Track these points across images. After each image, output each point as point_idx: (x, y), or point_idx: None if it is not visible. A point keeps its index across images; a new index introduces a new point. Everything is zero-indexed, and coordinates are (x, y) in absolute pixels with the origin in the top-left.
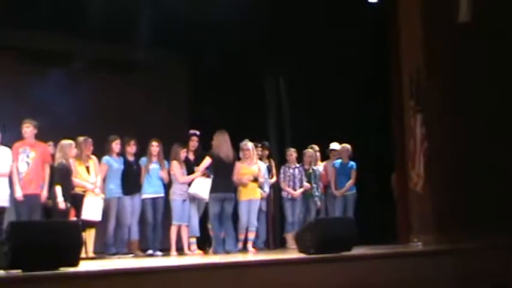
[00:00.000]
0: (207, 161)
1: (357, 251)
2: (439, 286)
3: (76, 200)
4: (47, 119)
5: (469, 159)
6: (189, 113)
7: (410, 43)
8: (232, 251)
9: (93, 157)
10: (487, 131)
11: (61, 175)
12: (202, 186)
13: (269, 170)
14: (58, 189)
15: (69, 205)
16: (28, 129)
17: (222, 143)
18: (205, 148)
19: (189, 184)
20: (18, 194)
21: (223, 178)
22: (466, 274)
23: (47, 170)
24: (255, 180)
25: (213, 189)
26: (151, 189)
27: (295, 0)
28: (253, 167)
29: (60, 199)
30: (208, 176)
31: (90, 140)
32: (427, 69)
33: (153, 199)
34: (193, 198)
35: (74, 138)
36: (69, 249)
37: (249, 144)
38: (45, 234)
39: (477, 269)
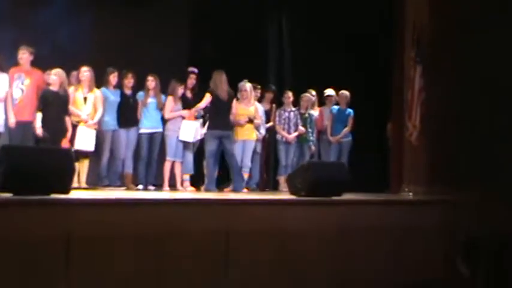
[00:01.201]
0: (207, 97)
1: (347, 196)
2: (421, 234)
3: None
4: (46, 47)
5: (464, 117)
6: (190, 51)
7: None
8: (238, 189)
9: (97, 90)
10: (485, 91)
11: (42, 102)
12: (188, 130)
13: (268, 113)
14: (37, 116)
15: (46, 134)
16: (24, 55)
17: (220, 82)
18: (202, 87)
19: None
20: (11, 120)
21: (221, 116)
22: (447, 224)
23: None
24: (251, 121)
25: (210, 127)
26: (148, 124)
27: None
28: (250, 107)
29: (37, 125)
30: (195, 118)
31: (91, 70)
32: (431, 21)
33: (150, 134)
34: None
35: (75, 68)
36: (61, 176)
37: (247, 85)
38: (37, 160)
39: (457, 221)
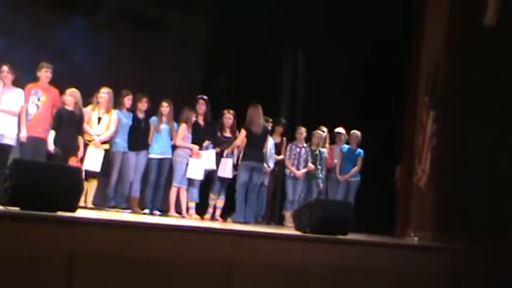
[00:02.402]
0: (242, 134)
1: (352, 236)
2: (425, 280)
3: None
4: (64, 66)
5: (475, 165)
6: (204, 79)
7: (433, 39)
8: (250, 221)
9: (113, 111)
10: (499, 140)
11: (57, 120)
12: (195, 168)
13: (278, 146)
14: (51, 133)
15: (59, 151)
16: (46, 73)
17: (256, 116)
18: (214, 117)
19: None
20: (23, 135)
21: (254, 149)
22: (453, 272)
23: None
24: None
25: (244, 158)
26: (159, 149)
27: None
28: None
29: (50, 141)
30: (227, 156)
31: (111, 92)
32: (446, 67)
33: (160, 159)
34: None
35: (90, 88)
36: (69, 194)
37: None
38: (46, 176)
39: (468, 269)
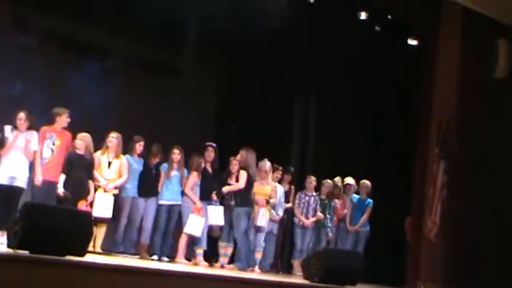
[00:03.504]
0: (244, 174)
1: (361, 286)
2: None
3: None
4: (75, 110)
5: (484, 218)
6: (215, 126)
7: (444, 91)
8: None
9: (123, 156)
10: (509, 191)
11: (67, 164)
12: (194, 224)
13: (287, 194)
14: (61, 177)
15: (68, 194)
16: (67, 118)
17: (252, 161)
18: (222, 163)
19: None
20: (39, 178)
21: (249, 194)
22: None
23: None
24: (267, 202)
25: (243, 204)
26: (169, 196)
27: (335, 27)
28: (266, 187)
29: (59, 185)
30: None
31: (120, 137)
32: (457, 118)
33: (169, 206)
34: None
35: (102, 133)
36: (79, 238)
37: (267, 165)
38: (57, 220)
39: None
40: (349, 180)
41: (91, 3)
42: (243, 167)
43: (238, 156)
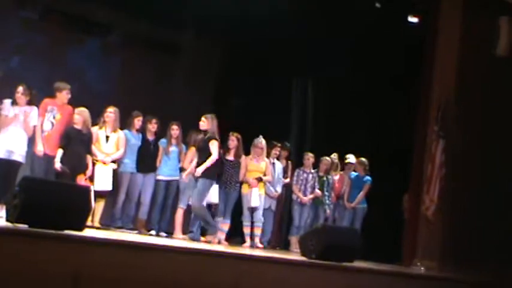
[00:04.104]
0: (215, 144)
1: (358, 263)
2: None
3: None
4: (76, 85)
5: (482, 196)
6: (214, 102)
7: (443, 69)
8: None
9: (120, 131)
10: (509, 170)
11: (65, 139)
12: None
13: (285, 170)
14: (58, 152)
15: (66, 169)
16: (67, 95)
17: (216, 127)
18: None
19: None
20: (40, 149)
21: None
22: None
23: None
24: (260, 179)
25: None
26: (168, 172)
27: (335, 7)
28: (261, 163)
29: (56, 160)
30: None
31: (117, 111)
32: (456, 97)
33: (167, 181)
34: None
35: (101, 108)
36: (77, 213)
37: (263, 142)
38: (55, 194)
39: None
40: (351, 158)
41: None
42: (211, 136)
43: (203, 123)
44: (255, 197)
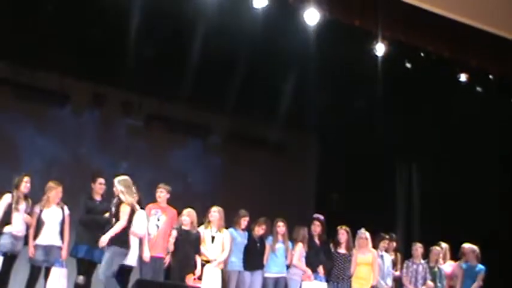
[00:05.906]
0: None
1: None
2: None
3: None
4: (179, 186)
5: None
6: (317, 197)
7: None
8: None
9: (225, 230)
10: None
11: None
12: None
13: (394, 263)
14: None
15: (175, 269)
16: (162, 194)
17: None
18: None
19: None
20: (146, 255)
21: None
22: None
23: (173, 234)
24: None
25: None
26: (275, 269)
27: (436, 93)
28: (367, 255)
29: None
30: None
31: (222, 210)
32: None
33: (276, 278)
34: None
35: (206, 208)
36: None
37: (367, 233)
38: None
39: None
40: (466, 245)
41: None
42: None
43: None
44: None
